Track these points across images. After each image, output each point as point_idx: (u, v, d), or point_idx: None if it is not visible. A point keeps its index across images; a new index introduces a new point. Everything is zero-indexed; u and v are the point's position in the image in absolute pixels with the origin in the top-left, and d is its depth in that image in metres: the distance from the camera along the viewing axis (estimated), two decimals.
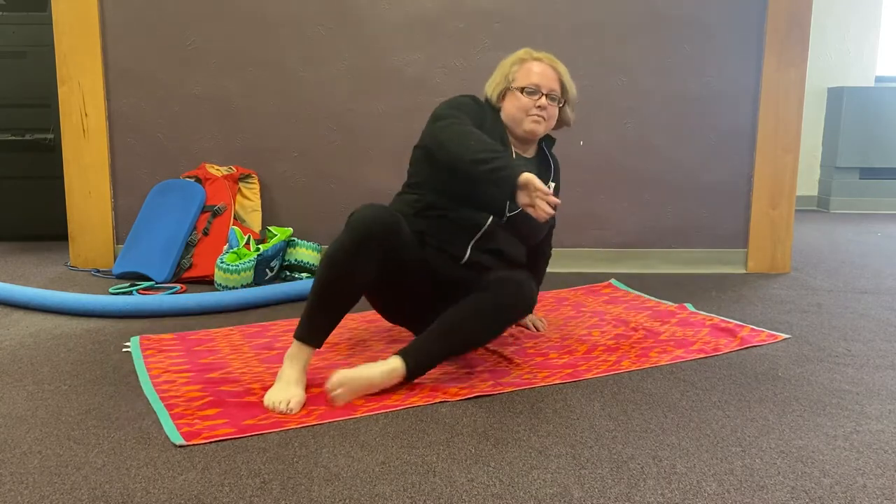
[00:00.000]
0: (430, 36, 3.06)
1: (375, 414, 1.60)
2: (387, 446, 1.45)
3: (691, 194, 3.20)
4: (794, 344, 2.16)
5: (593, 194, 3.18)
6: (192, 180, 3.01)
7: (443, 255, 1.90)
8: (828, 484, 1.33)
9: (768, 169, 3.15)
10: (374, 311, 2.42)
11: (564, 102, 2.04)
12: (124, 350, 2.02)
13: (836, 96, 5.56)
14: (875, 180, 5.55)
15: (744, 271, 3.21)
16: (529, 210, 1.67)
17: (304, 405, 1.63)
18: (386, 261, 1.73)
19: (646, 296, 2.72)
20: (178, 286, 2.74)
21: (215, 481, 1.31)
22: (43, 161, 3.56)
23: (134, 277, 2.87)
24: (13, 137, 3.53)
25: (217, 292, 2.47)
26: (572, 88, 2.04)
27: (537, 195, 1.65)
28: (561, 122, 2.07)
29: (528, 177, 1.65)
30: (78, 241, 3.08)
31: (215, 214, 2.94)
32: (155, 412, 1.60)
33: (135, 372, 1.85)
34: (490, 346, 2.07)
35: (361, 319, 2.35)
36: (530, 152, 2.06)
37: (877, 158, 5.51)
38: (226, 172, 3.04)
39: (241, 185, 3.06)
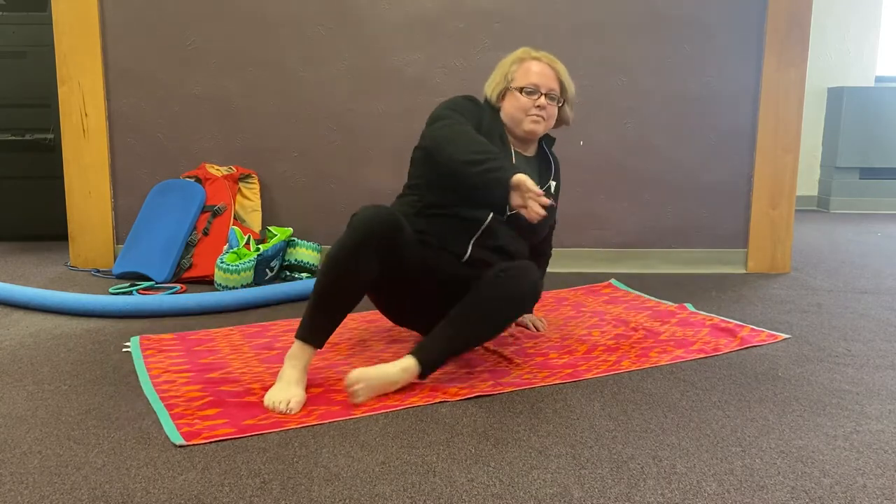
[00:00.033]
0: (430, 36, 3.06)
1: (375, 414, 1.60)
2: (387, 446, 1.45)
3: (691, 194, 3.20)
4: (794, 344, 2.16)
5: (593, 194, 3.18)
6: (192, 180, 3.01)
7: (444, 254, 1.90)
8: (828, 484, 1.33)
9: (768, 169, 3.15)
10: (374, 310, 2.43)
11: (564, 102, 2.04)
12: (124, 350, 2.02)
13: (836, 96, 5.56)
14: (875, 180, 5.55)
15: (744, 271, 3.21)
16: (522, 211, 1.68)
17: (305, 405, 1.63)
18: (388, 260, 1.73)
19: (646, 296, 2.72)
20: (178, 286, 2.74)
21: (215, 481, 1.31)
22: (43, 161, 3.56)
23: (134, 277, 2.87)
24: (13, 137, 3.53)
25: (217, 292, 2.47)
26: (571, 87, 2.04)
27: (530, 196, 1.65)
28: (560, 121, 2.07)
29: (520, 178, 1.65)
30: (78, 241, 3.08)
31: (215, 214, 2.94)
32: (155, 412, 1.60)
33: (135, 372, 1.85)
34: (490, 345, 2.07)
35: (362, 319, 2.35)
36: (530, 151, 2.06)
37: (877, 158, 5.51)
38: (226, 172, 3.04)
39: (241, 185, 3.06)
